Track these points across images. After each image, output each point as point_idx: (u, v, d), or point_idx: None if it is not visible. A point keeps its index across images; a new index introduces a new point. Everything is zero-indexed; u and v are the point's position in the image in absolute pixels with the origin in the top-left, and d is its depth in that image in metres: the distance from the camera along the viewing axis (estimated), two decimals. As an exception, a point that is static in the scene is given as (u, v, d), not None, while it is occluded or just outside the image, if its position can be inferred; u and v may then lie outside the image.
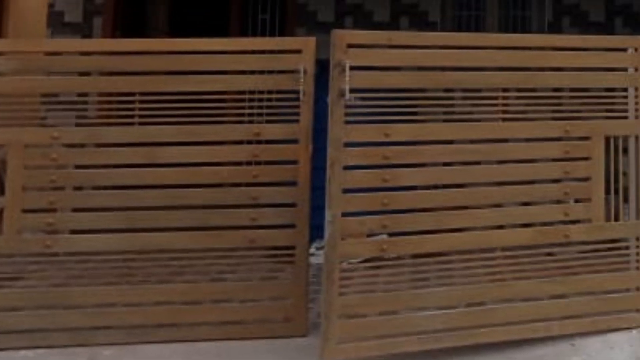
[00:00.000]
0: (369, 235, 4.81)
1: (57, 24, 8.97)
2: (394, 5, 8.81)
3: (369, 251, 4.69)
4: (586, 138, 4.96)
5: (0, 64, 4.83)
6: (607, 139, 5.00)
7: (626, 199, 5.12)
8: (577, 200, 5.06)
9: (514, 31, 8.85)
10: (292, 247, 4.89)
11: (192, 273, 5.02)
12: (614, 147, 5.03)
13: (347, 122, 4.60)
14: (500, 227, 4.97)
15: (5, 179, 4.74)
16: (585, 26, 8.90)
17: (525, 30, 9.02)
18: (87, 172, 4.92)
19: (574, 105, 5.13)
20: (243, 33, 8.97)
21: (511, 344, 4.67)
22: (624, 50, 5.14)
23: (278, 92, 5.12)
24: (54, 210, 4.74)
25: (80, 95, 5.29)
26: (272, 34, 8.93)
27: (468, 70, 4.96)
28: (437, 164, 4.94)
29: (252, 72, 5.03)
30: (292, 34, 8.75)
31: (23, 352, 4.47)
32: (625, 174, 5.11)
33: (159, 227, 4.79)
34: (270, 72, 5.06)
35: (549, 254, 5.03)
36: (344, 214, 4.56)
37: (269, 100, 5.30)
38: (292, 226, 4.91)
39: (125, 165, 4.81)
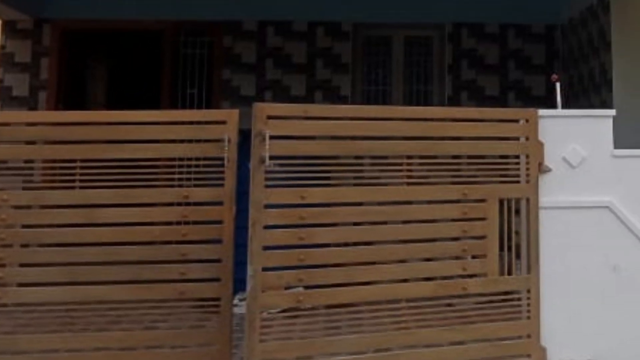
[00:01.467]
0: (286, 288, 6.01)
1: (6, 97, 10.75)
2: (309, 81, 10.71)
3: (287, 302, 5.93)
4: (482, 200, 6.32)
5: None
6: (501, 201, 6.34)
7: (518, 256, 6.43)
8: (474, 257, 6.35)
9: (417, 104, 10.80)
10: (218, 299, 6.06)
11: (128, 322, 6.12)
12: (507, 208, 6.35)
13: (267, 186, 5.84)
14: (405, 280, 6.21)
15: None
16: (482, 99, 10.87)
17: (427, 103, 11.04)
18: (33, 231, 6.12)
19: (472, 171, 6.47)
20: (173, 105, 10.82)
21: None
22: (516, 121, 6.56)
23: (205, 158, 6.33)
24: (3, 266, 5.88)
25: (26, 161, 6.38)
26: (199, 107, 10.74)
27: (376, 139, 6.27)
28: (348, 223, 6.24)
29: (182, 141, 6.28)
30: (217, 107, 10.72)
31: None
32: (517, 232, 6.44)
33: (97, 281, 5.97)
34: (198, 140, 6.29)
35: (449, 305, 6.29)
36: (264, 269, 5.77)
37: (197, 166, 6.44)
38: (217, 280, 6.09)
39: (67, 225, 5.99)
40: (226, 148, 6.18)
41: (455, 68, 12.11)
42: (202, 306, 6.23)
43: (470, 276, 6.32)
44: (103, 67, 12.56)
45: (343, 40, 11.97)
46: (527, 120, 6.52)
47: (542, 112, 6.63)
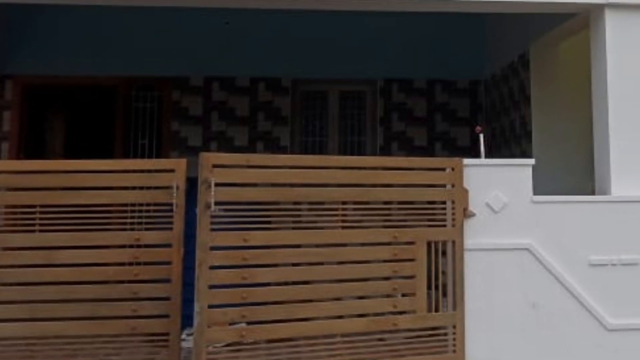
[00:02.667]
0: (230, 324, 7.14)
1: (-31, 148, 11.97)
2: (251, 132, 12.40)
3: (231, 337, 7.10)
4: (411, 243, 7.55)
5: None
6: (429, 244, 7.59)
7: (445, 294, 7.64)
8: (404, 295, 7.55)
9: (352, 154, 12.67)
10: (167, 334, 7.15)
11: (83, 355, 7.13)
12: (435, 250, 7.59)
13: (213, 230, 7.00)
14: (340, 316, 7.40)
15: None
16: (411, 149, 12.66)
17: (360, 153, 12.94)
18: (-4, 271, 7.18)
19: (402, 215, 7.70)
20: (126, 155, 12.36)
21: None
22: (443, 169, 7.80)
23: (155, 204, 7.37)
24: (-31, 303, 6.92)
25: (-11, 207, 7.44)
26: (150, 156, 12.29)
27: (313, 186, 7.45)
28: (287, 264, 7.40)
29: (134, 188, 7.33)
30: (166, 156, 12.29)
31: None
32: (444, 272, 7.66)
33: (56, 317, 7.02)
34: (149, 187, 7.33)
35: (381, 339, 7.49)
36: (210, 306, 6.92)
37: (148, 211, 7.42)
38: (166, 316, 7.15)
39: (28, 265, 7.11)
40: (175, 194, 7.35)
41: (386, 120, 13.86)
42: (153, 340, 7.28)
43: (401, 313, 7.55)
44: (61, 120, 13.95)
45: (283, 94, 13.71)
46: (452, 169, 7.83)
47: (466, 161, 7.95)
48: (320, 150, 13.61)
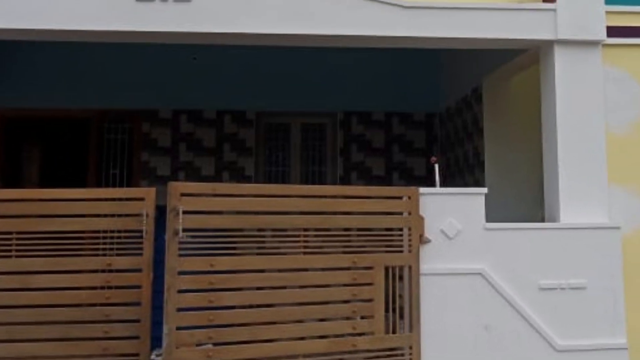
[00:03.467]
0: (198, 345, 7.52)
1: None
2: (217, 162, 13.04)
3: (198, 358, 7.45)
4: (370, 267, 8.01)
5: None
6: (387, 268, 8.05)
7: (402, 316, 8.08)
8: (362, 317, 7.97)
9: (313, 183, 13.22)
10: (137, 354, 7.49)
11: None
12: (392, 274, 8.04)
13: (181, 255, 7.44)
14: (302, 338, 7.82)
15: None
16: (370, 179, 13.41)
17: (321, 182, 13.51)
18: (-26, 295, 7.52)
19: (361, 242, 8.14)
20: (98, 184, 12.98)
21: None
22: (400, 198, 8.30)
23: (126, 231, 7.72)
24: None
25: (-33, 234, 7.79)
26: (121, 185, 12.91)
27: (276, 213, 7.93)
28: (252, 288, 7.84)
29: (105, 215, 7.74)
30: (137, 185, 12.85)
31: None
32: (401, 296, 8.12)
33: (31, 339, 7.39)
34: (120, 215, 7.73)
35: None
36: (178, 328, 7.35)
37: (119, 237, 7.77)
38: (137, 337, 7.50)
39: (4, 289, 7.46)
40: (144, 222, 7.74)
41: (346, 151, 14.56)
42: (123, 361, 7.67)
43: (360, 334, 8.00)
44: (37, 150, 14.38)
45: (247, 126, 14.36)
46: (409, 197, 8.33)
47: (422, 190, 8.45)
48: (283, 179, 14.28)
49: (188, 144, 14.24)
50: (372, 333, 8.11)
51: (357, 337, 8.06)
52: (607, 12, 9.32)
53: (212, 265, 7.76)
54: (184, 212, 7.61)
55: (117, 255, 7.88)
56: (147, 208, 7.85)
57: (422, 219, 8.37)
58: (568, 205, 8.99)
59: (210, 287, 7.71)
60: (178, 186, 7.79)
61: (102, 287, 7.83)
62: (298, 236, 8.09)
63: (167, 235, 7.60)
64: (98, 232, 8.00)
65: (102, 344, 7.68)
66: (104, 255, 7.89)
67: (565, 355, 8.55)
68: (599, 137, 9.16)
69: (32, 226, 7.75)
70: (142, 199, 7.92)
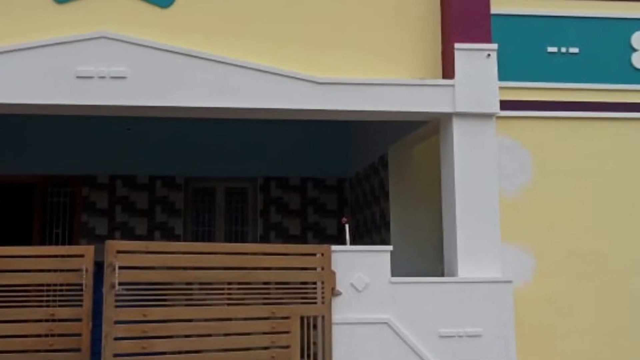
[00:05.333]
0: None
1: None
2: (149, 223, 14.40)
3: None
4: (287, 317, 9.00)
5: None
6: (302, 318, 9.04)
7: None
8: None
9: (236, 241, 14.49)
10: None
11: None
12: (307, 323, 9.04)
13: (117, 306, 8.39)
14: None
15: None
16: (287, 238, 14.89)
17: (243, 240, 14.89)
18: None
19: (279, 294, 9.17)
20: (42, 242, 14.23)
21: None
22: (314, 255, 9.36)
23: (67, 284, 8.64)
24: None
25: None
26: (63, 243, 14.17)
27: (203, 269, 8.95)
28: (181, 336, 8.78)
29: (49, 270, 8.61)
30: (77, 243, 14.08)
31: None
32: (315, 343, 9.09)
33: None
34: (62, 270, 8.62)
35: None
36: None
37: (61, 290, 8.66)
38: None
39: None
40: (84, 276, 8.66)
41: (265, 213, 16.13)
42: (65, 400, 8.52)
43: None
44: None
45: (177, 190, 15.91)
46: (322, 254, 9.40)
47: (334, 247, 9.53)
48: (209, 238, 15.75)
49: (123, 206, 15.73)
50: (289, 376, 8.98)
51: (276, 380, 8.93)
52: (501, 88, 10.56)
53: (145, 316, 8.71)
54: (120, 268, 8.58)
55: (60, 306, 8.73)
56: (87, 264, 8.79)
57: (334, 273, 9.40)
58: (465, 261, 10.15)
59: (143, 335, 8.66)
60: (114, 244, 8.79)
61: (46, 335, 8.68)
62: (222, 289, 9.11)
63: (105, 289, 8.55)
64: (42, 285, 8.84)
65: (46, 386, 8.47)
66: (48, 306, 8.73)
67: (463, 395, 9.56)
68: (493, 200, 10.35)
69: (-19, 280, 8.54)
70: (82, 256, 8.87)
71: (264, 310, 9.20)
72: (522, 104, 10.80)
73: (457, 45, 10.51)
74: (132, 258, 8.82)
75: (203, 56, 9.99)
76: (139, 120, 12.36)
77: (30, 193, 15.63)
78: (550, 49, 10.96)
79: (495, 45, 10.60)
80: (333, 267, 9.45)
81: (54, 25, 9.88)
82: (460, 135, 10.48)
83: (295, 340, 9.19)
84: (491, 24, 10.73)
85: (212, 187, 16.27)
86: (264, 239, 15.78)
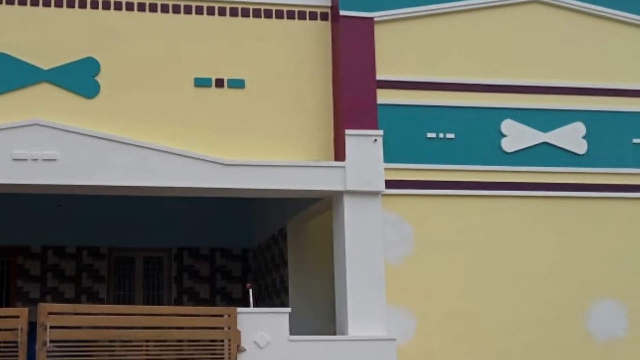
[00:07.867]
0: None
1: None
2: (77, 288, 16.36)
3: None
4: None
5: None
6: None
7: None
8: None
9: (153, 304, 16.32)
10: None
11: None
12: None
13: None
14: None
15: None
16: (198, 301, 16.81)
17: (159, 303, 16.69)
18: None
19: (191, 350, 10.58)
20: None
21: None
22: (221, 316, 10.76)
23: (4, 342, 9.80)
24: None
25: None
26: (0, 306, 15.39)
27: (124, 328, 10.27)
28: None
29: None
30: (13, 306, 15.37)
31: None
32: None
33: None
34: (0, 329, 9.77)
35: None
36: None
37: None
38: None
39: None
40: (19, 334, 9.85)
41: (179, 278, 18.01)
42: None
43: None
44: None
45: (101, 259, 17.64)
46: (229, 315, 10.80)
47: (239, 309, 10.96)
48: (129, 301, 17.36)
49: (54, 273, 17.47)
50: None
51: None
52: (386, 169, 12.12)
53: (72, 369, 9.89)
54: (51, 327, 9.88)
55: (-3, 361, 9.71)
56: (22, 324, 9.99)
57: (239, 332, 10.75)
58: (355, 321, 11.59)
59: (71, 386, 9.81)
60: (46, 306, 10.12)
61: (-16, 391, 9.67)
62: (141, 346, 10.48)
63: (37, 346, 9.80)
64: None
65: None
66: (-15, 362, 9.69)
67: None
68: (380, 268, 11.86)
69: None
70: (17, 317, 10.07)
71: (179, 365, 10.38)
72: (405, 183, 12.27)
73: (347, 131, 12.05)
74: (61, 319, 10.08)
75: (124, 141, 11.44)
76: (68, 197, 13.80)
77: (-31, 263, 17.06)
78: (430, 135, 12.50)
79: (381, 132, 12.15)
80: (238, 327, 10.79)
81: (-9, 113, 11.03)
82: (350, 210, 11.96)
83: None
84: (377, 112, 12.30)
85: (132, 256, 18.02)
86: (178, 302, 17.56)
